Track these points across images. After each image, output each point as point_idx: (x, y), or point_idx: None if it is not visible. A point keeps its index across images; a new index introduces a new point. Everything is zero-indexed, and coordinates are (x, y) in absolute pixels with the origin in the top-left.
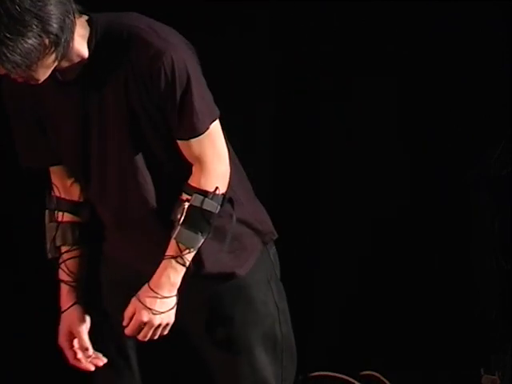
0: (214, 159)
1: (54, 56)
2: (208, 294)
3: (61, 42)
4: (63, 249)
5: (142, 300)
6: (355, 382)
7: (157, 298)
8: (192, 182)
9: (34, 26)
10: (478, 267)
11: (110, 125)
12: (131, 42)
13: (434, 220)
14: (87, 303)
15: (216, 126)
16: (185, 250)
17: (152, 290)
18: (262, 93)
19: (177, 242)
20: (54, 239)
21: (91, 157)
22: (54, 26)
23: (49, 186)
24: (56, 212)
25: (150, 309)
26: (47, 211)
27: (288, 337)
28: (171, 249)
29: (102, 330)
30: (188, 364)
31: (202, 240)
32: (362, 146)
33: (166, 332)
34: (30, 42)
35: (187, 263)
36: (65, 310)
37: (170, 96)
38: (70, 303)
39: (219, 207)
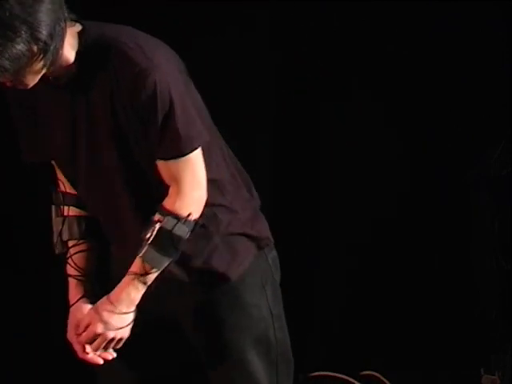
0: (191, 184)
1: (42, 63)
2: (201, 297)
3: (49, 49)
4: (70, 243)
5: (99, 312)
6: (355, 382)
7: (114, 312)
8: (167, 203)
9: (23, 32)
10: (478, 267)
11: (96, 137)
12: (117, 58)
13: (434, 220)
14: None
15: (198, 153)
16: (149, 269)
17: (111, 303)
18: (261, 93)
19: (142, 261)
20: (60, 233)
21: (79, 166)
22: (44, 33)
23: (54, 181)
24: (62, 206)
25: (105, 322)
26: (53, 206)
27: (283, 342)
28: (135, 266)
29: None
30: (183, 365)
31: (167, 262)
32: (361, 146)
33: (119, 346)
34: (18, 47)
35: (148, 282)
36: (73, 304)
37: (152, 118)
38: (78, 297)
39: (189, 233)
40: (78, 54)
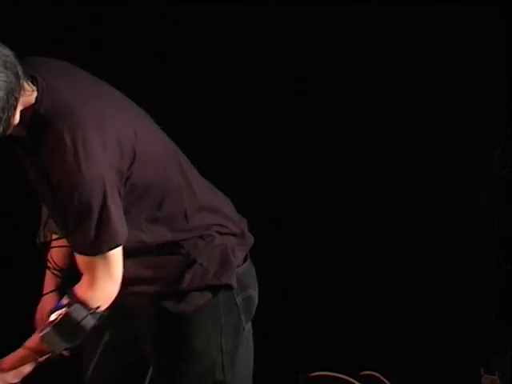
0: (105, 279)
1: None
2: (156, 320)
3: (1, 121)
4: (53, 236)
5: None
6: (355, 382)
7: (2, 372)
8: (79, 290)
9: None
10: (478, 267)
11: (39, 191)
12: (53, 149)
13: (434, 220)
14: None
15: (116, 252)
16: (46, 349)
17: (1, 370)
18: (262, 93)
19: (41, 340)
20: (45, 225)
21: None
22: None
23: None
24: None
25: None
26: None
27: (234, 381)
28: (33, 342)
29: None
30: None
31: (65, 347)
32: (362, 145)
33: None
34: None
35: (40, 360)
36: (45, 294)
37: (67, 214)
38: (51, 289)
39: (94, 323)
40: (27, 122)
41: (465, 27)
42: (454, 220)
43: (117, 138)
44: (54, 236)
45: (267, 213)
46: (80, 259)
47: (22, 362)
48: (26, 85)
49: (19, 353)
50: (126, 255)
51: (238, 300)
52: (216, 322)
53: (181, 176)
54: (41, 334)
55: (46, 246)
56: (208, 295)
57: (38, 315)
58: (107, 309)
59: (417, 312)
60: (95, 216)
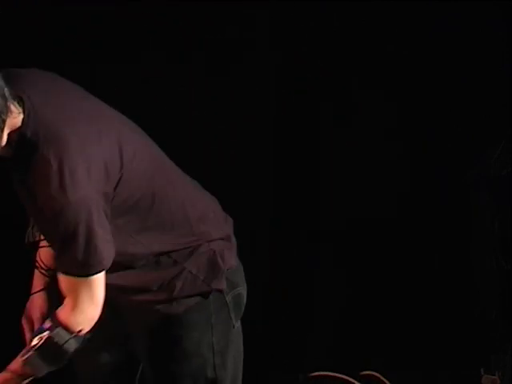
0: (88, 303)
1: None
2: (147, 321)
3: None
4: (41, 236)
5: None
6: (355, 382)
7: None
8: (61, 314)
9: None
10: (478, 267)
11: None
12: (38, 172)
13: (434, 220)
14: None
15: (100, 275)
16: (29, 373)
17: None
18: (262, 93)
19: (24, 364)
20: (34, 225)
21: None
22: None
23: None
24: None
25: None
26: None
27: (225, 380)
28: (15, 365)
29: None
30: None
31: (50, 370)
32: (361, 146)
33: None
34: None
35: (23, 382)
36: (33, 293)
37: (53, 236)
38: (39, 288)
39: (77, 347)
40: (14, 145)
41: (465, 27)
42: (454, 220)
43: (103, 161)
44: (42, 236)
45: (267, 213)
46: (63, 280)
47: None
48: (12, 107)
49: (2, 377)
50: (115, 267)
51: (228, 299)
52: (207, 322)
53: (168, 186)
54: (23, 358)
55: (35, 246)
56: (198, 297)
57: (26, 314)
58: (88, 332)
59: (417, 312)
60: (81, 241)
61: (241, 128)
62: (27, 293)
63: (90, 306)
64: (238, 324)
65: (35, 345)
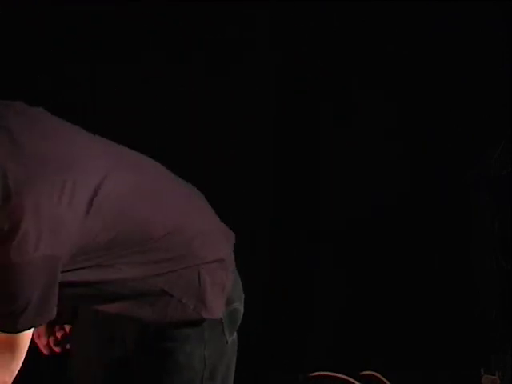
0: (12, 355)
1: None
2: (140, 335)
3: None
4: None
5: None
6: (355, 382)
7: None
8: None
9: None
10: (478, 267)
11: None
12: (6, 224)
13: (434, 220)
14: None
15: (28, 334)
16: None
17: None
18: (262, 93)
19: None
20: None
21: None
22: None
23: None
24: None
25: None
26: None
27: None
28: None
29: None
30: None
31: None
32: (361, 145)
33: None
34: None
35: None
36: None
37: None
38: None
39: None
40: None
41: (465, 27)
42: (454, 220)
43: (76, 222)
44: None
45: (267, 213)
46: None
47: None
48: None
49: None
50: (104, 300)
51: (223, 317)
52: (200, 337)
53: (158, 215)
54: None
55: None
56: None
57: None
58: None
59: (417, 312)
60: (19, 302)
61: (241, 128)
62: None
63: (13, 359)
64: (232, 338)
65: None
